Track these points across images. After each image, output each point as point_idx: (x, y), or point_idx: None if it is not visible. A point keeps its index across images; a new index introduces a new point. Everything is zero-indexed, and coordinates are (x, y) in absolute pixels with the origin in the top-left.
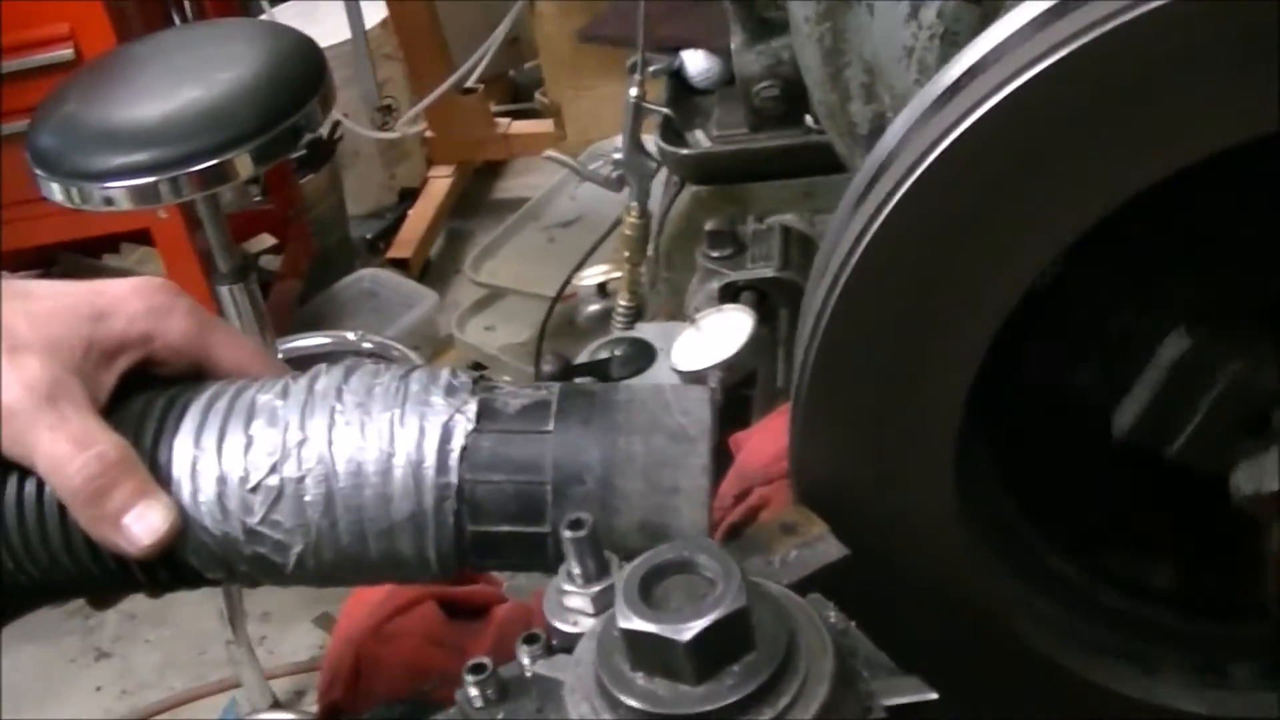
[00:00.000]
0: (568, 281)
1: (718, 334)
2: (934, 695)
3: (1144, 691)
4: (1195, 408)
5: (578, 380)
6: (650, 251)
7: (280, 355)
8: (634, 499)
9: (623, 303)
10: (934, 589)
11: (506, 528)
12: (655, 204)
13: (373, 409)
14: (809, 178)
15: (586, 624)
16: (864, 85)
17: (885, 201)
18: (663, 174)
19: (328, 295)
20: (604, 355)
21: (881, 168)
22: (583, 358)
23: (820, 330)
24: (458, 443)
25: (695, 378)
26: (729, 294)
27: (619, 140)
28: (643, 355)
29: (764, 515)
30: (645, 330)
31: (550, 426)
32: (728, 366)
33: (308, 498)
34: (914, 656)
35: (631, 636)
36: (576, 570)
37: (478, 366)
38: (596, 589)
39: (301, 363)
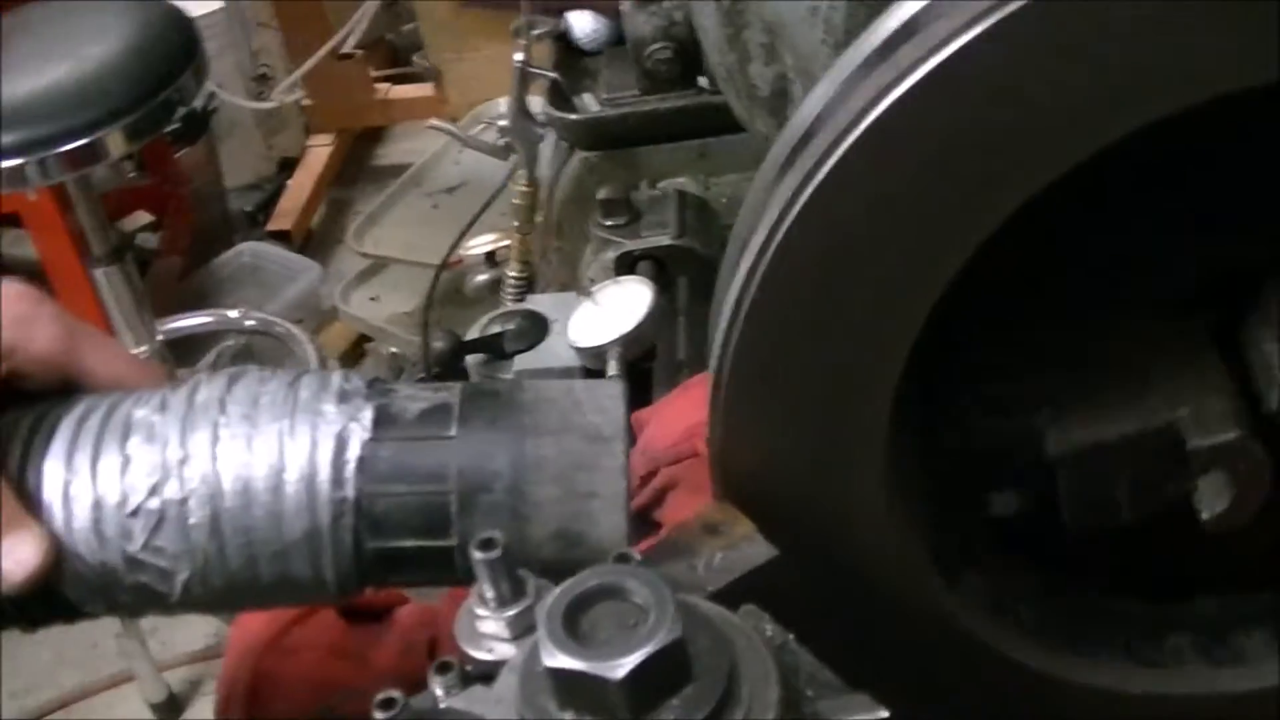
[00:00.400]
0: (453, 250)
1: (616, 307)
2: (885, 713)
3: (1083, 674)
4: None
5: (471, 358)
6: (540, 220)
7: (161, 337)
8: (547, 506)
9: (513, 273)
10: (869, 578)
11: (410, 542)
12: (545, 170)
13: (260, 420)
14: (702, 139)
15: (504, 650)
16: (764, 46)
17: (813, 172)
18: (551, 139)
19: (208, 271)
20: (496, 329)
21: (806, 135)
22: (474, 333)
23: (743, 313)
24: (353, 453)
25: (595, 354)
26: (625, 264)
27: (503, 104)
28: (536, 328)
29: (675, 507)
30: (538, 302)
31: (453, 431)
32: (628, 341)
33: (192, 520)
34: (847, 651)
35: (559, 675)
36: (490, 593)
37: (364, 339)
38: (512, 612)
39: (184, 345)
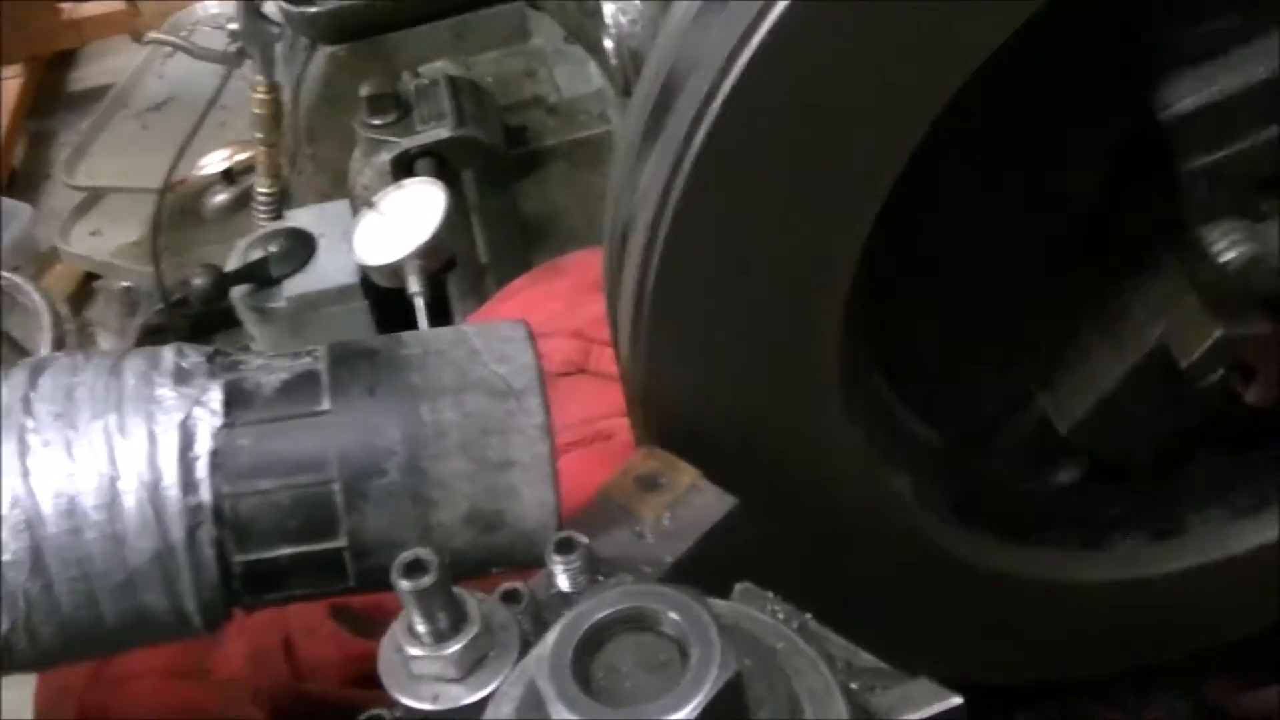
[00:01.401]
0: (174, 169)
1: (403, 215)
2: (958, 699)
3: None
4: None
5: (236, 290)
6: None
7: None
8: (455, 484)
9: (263, 189)
10: (829, 497)
11: (287, 550)
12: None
13: (79, 419)
14: (456, 17)
15: (454, 695)
16: None
17: (705, 105)
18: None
19: None
20: (258, 254)
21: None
22: (234, 262)
23: (661, 241)
24: (204, 446)
25: (390, 271)
26: (402, 165)
27: (202, 9)
28: (302, 247)
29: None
30: (298, 217)
31: (326, 404)
32: (426, 252)
33: (5, 557)
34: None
35: None
36: (423, 627)
37: (91, 277)
38: (456, 646)
39: None
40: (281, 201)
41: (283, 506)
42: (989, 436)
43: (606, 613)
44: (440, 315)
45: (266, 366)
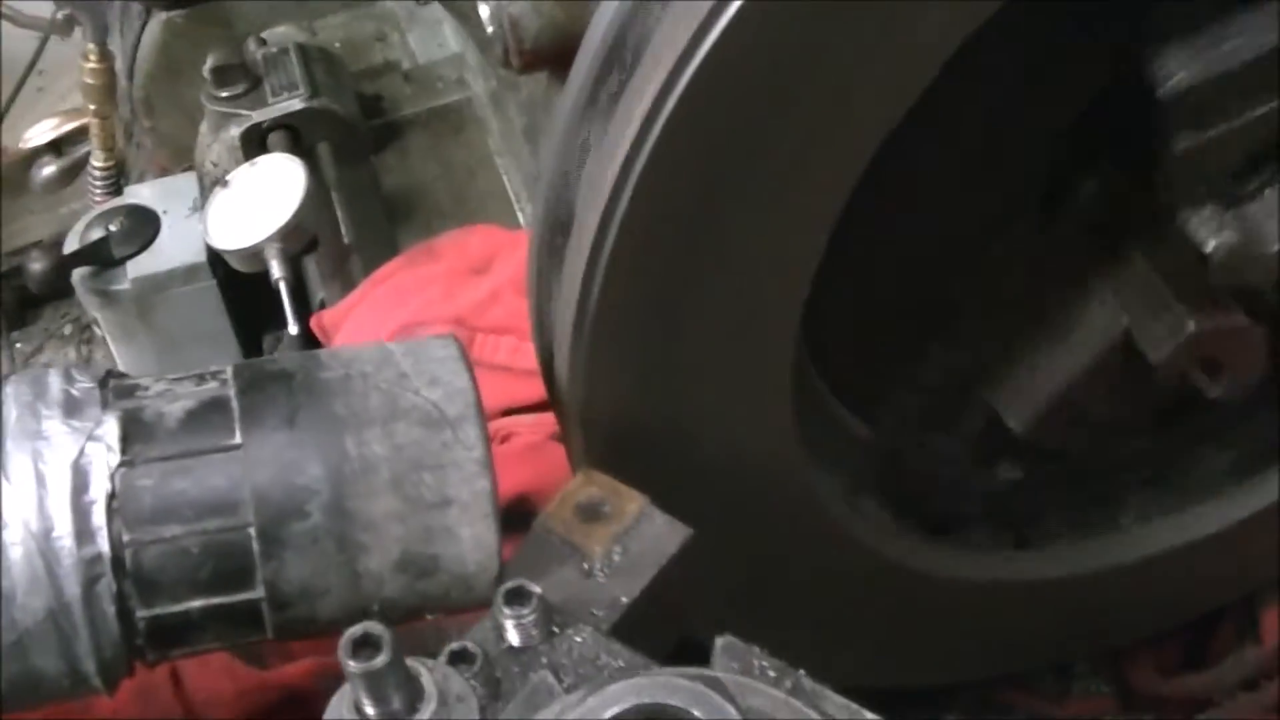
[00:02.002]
0: None
1: (259, 193)
2: None
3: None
4: None
5: (78, 274)
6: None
7: None
8: (385, 526)
9: (98, 164)
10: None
11: (198, 602)
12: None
13: None
14: None
15: None
16: None
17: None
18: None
19: None
20: (98, 234)
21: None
22: (73, 242)
23: (606, 254)
24: (100, 488)
25: (248, 256)
26: (254, 139)
27: None
28: (145, 224)
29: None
30: (139, 193)
31: (238, 437)
32: (287, 234)
33: None
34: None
35: None
36: (373, 710)
37: None
38: None
39: None
40: (119, 176)
41: (191, 555)
42: (929, 435)
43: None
44: (300, 301)
45: (168, 393)
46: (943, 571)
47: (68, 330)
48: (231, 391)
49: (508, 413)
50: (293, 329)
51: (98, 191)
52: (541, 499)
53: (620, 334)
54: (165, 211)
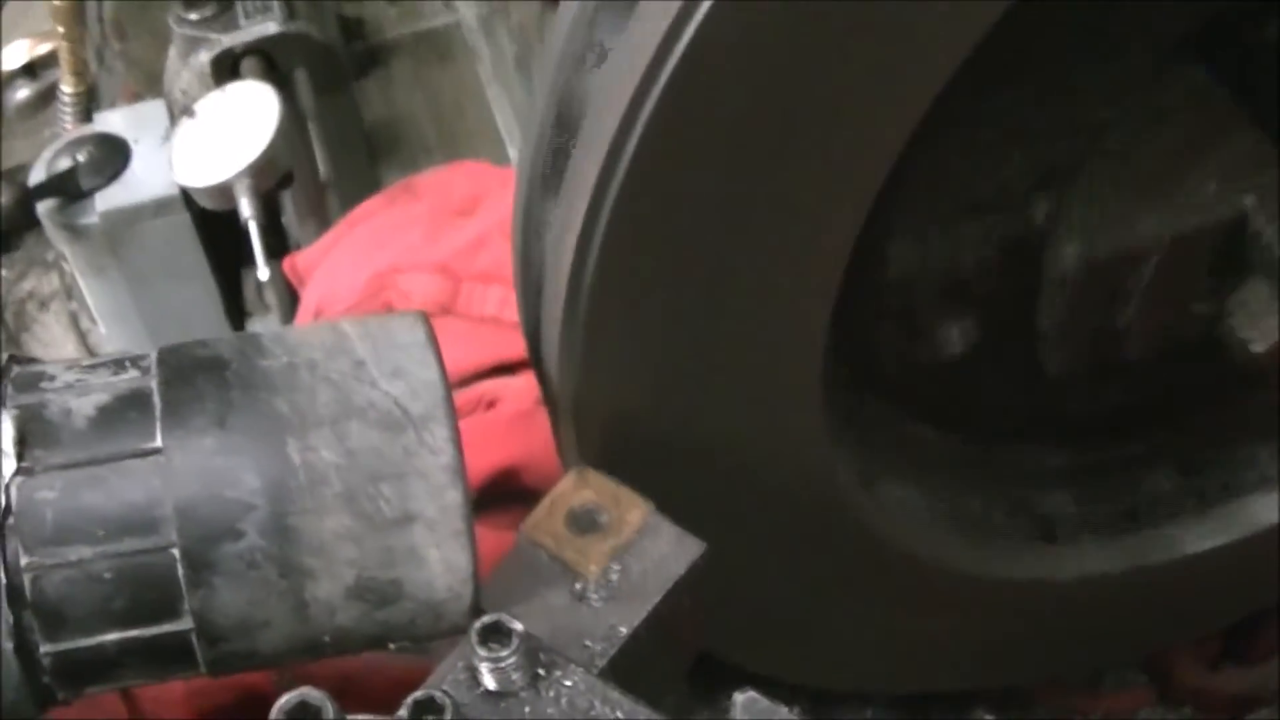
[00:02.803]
0: None
1: (229, 123)
2: None
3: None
4: None
5: (43, 206)
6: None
7: None
8: (336, 548)
9: (67, 89)
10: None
11: (114, 635)
12: None
13: None
14: None
15: None
16: None
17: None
18: None
19: None
20: (65, 164)
21: None
22: (39, 172)
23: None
24: None
25: (216, 192)
26: (225, 66)
27: None
28: (114, 154)
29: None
30: (109, 121)
31: (158, 440)
32: (258, 169)
33: None
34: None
35: None
36: None
37: None
38: None
39: None
40: (89, 103)
41: (104, 581)
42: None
43: None
44: (276, 238)
45: (79, 385)
46: (974, 569)
47: (50, 257)
48: (154, 383)
49: (495, 371)
50: (263, 274)
51: (67, 118)
52: (531, 474)
53: (616, 317)
54: (136, 140)
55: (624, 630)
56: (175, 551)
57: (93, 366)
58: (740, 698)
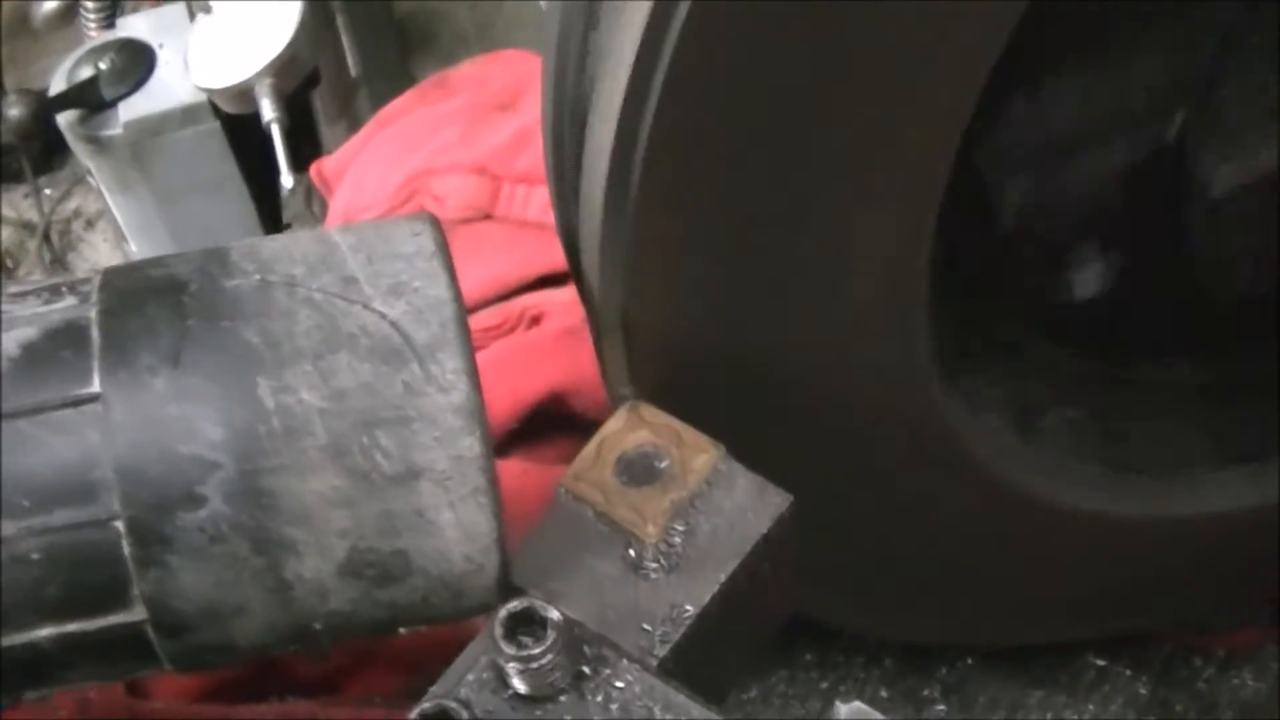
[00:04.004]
0: None
1: (249, 20)
2: None
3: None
4: None
5: (63, 118)
6: None
7: None
8: (323, 514)
9: None
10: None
11: (47, 630)
12: None
13: None
14: None
15: None
16: None
17: None
18: None
19: None
20: (87, 72)
21: None
22: (58, 83)
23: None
24: None
25: (236, 95)
26: None
27: None
28: (138, 61)
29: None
30: (132, 25)
31: (95, 385)
32: (280, 68)
33: None
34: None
35: None
36: None
37: None
38: None
39: None
40: (114, 7)
41: (32, 563)
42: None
43: None
44: (307, 142)
45: (3, 318)
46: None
47: None
48: (91, 311)
49: (540, 284)
50: (287, 181)
51: (91, 25)
52: (582, 398)
53: (676, 210)
54: (161, 45)
55: (690, 610)
56: (119, 524)
57: (21, 294)
58: (844, 709)
